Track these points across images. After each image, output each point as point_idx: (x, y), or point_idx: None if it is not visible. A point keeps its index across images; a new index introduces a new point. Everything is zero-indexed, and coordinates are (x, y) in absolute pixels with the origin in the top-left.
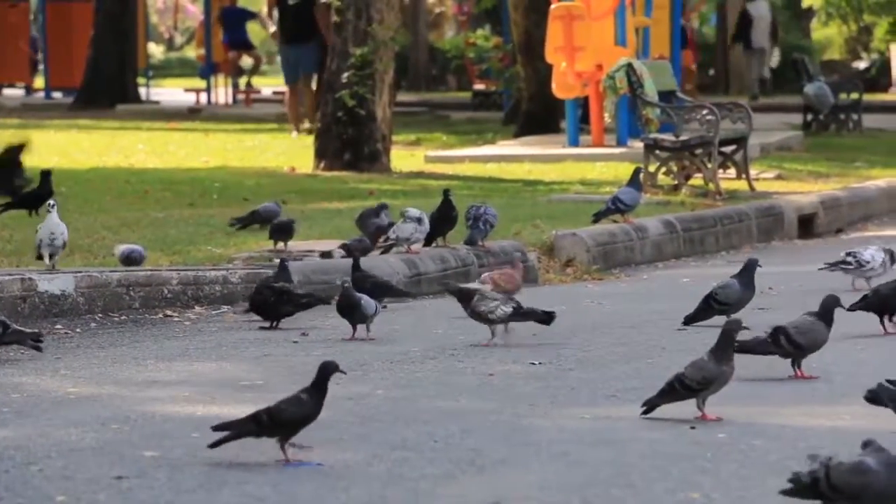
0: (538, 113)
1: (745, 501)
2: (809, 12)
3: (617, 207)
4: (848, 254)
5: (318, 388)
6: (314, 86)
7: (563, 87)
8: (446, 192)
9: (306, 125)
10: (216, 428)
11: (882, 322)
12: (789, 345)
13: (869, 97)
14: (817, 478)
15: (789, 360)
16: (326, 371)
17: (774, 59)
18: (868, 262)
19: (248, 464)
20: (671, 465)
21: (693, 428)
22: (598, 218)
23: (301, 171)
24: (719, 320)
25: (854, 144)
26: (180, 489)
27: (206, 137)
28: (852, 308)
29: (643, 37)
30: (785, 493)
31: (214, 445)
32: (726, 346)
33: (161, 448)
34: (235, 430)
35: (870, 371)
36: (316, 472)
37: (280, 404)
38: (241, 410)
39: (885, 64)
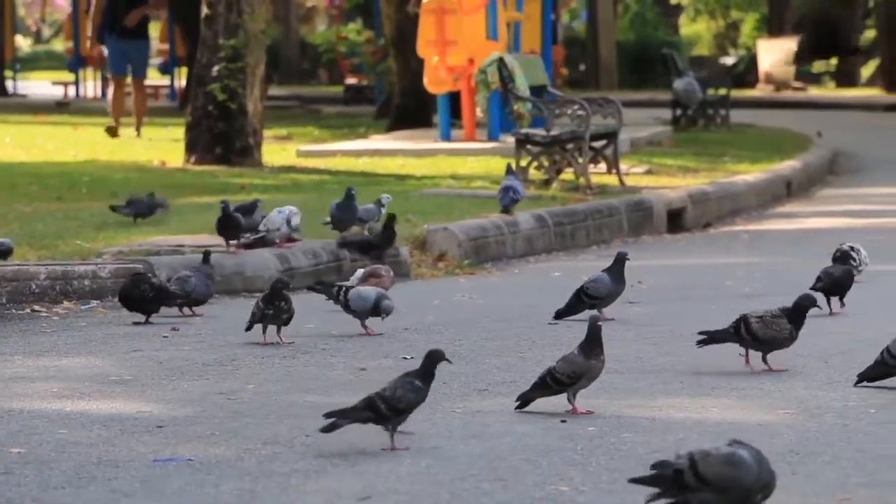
0: (410, 107)
1: (613, 494)
2: (678, 8)
3: (517, 199)
4: (852, 249)
5: (427, 374)
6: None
7: (434, 81)
8: (350, 190)
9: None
10: (328, 415)
11: (829, 303)
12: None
13: (736, 93)
14: (681, 470)
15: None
16: (434, 359)
17: None
18: (864, 261)
19: (117, 460)
20: (541, 459)
21: (564, 421)
22: (507, 209)
23: (171, 164)
24: (590, 314)
25: (722, 139)
26: (48, 486)
27: (74, 131)
28: (813, 289)
29: (515, 32)
30: (635, 480)
31: (326, 430)
32: (594, 341)
33: (28, 445)
34: (349, 417)
35: (736, 364)
36: (185, 467)
37: (396, 391)
38: (111, 406)
39: (752, 60)
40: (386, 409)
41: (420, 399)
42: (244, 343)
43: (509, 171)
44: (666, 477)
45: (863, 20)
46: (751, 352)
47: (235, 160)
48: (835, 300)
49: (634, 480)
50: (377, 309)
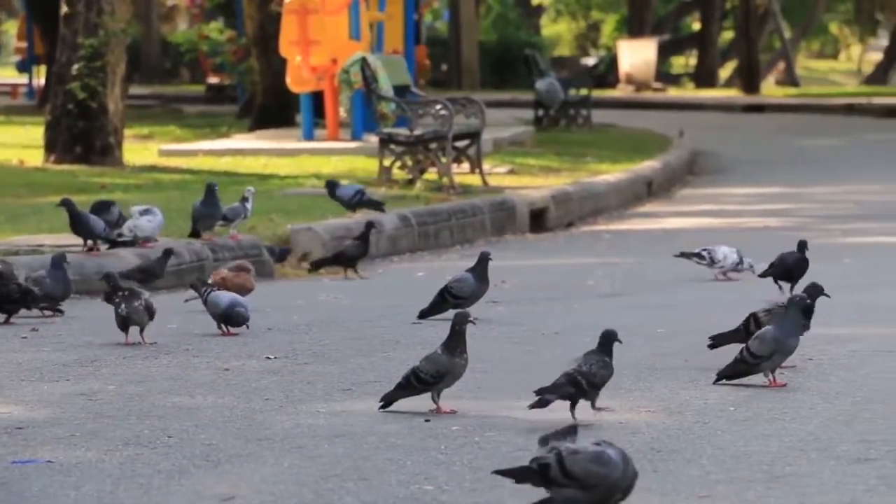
0: (273, 107)
1: (477, 493)
2: (539, 9)
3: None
4: (703, 249)
5: (609, 352)
6: None
7: (297, 80)
8: (212, 186)
9: None
10: (538, 392)
11: (780, 287)
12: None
13: (598, 93)
14: (547, 464)
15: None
16: (611, 337)
17: None
18: (720, 260)
19: None
20: (406, 458)
21: (428, 421)
22: (376, 207)
23: (30, 164)
24: (455, 313)
25: (583, 140)
26: None
27: None
28: (763, 275)
29: (377, 32)
30: (501, 473)
31: (536, 406)
32: (457, 339)
33: None
34: (556, 392)
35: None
36: (45, 469)
37: (592, 368)
38: None
39: (612, 61)
40: (587, 385)
41: (610, 374)
42: (105, 343)
43: (330, 185)
44: (531, 470)
45: (721, 21)
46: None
47: (96, 159)
48: (789, 286)
49: (499, 472)
50: (228, 317)
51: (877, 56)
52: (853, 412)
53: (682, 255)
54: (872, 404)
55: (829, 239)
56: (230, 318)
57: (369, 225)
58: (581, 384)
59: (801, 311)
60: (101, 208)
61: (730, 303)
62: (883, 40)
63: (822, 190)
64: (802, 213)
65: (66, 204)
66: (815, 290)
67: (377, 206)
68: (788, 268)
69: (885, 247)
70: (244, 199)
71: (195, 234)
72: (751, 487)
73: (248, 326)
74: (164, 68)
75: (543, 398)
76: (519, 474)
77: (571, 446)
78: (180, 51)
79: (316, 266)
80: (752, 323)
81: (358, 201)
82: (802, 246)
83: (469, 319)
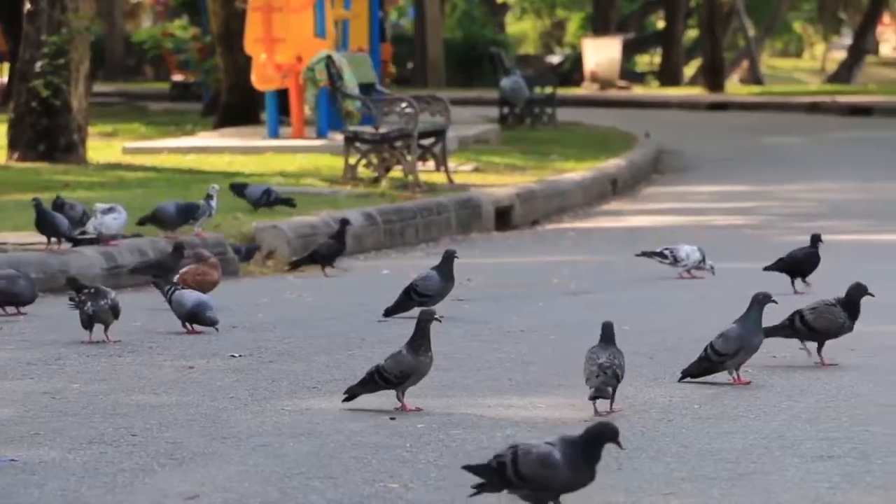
0: (238, 104)
1: (442, 491)
2: (504, 7)
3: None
4: (665, 248)
5: (612, 340)
6: None
7: (262, 78)
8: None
9: None
10: (594, 386)
11: (793, 283)
12: (804, 328)
13: (563, 91)
14: (503, 462)
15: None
16: (611, 326)
17: None
18: (683, 259)
19: None
20: (371, 456)
21: (393, 419)
22: (287, 204)
23: None
24: (420, 310)
25: (549, 137)
26: None
27: None
28: (767, 269)
29: (343, 29)
30: (469, 468)
31: (596, 397)
32: (422, 337)
33: None
34: (609, 385)
35: (567, 360)
36: (8, 468)
37: (615, 360)
38: None
39: (577, 59)
40: (621, 375)
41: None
42: (69, 342)
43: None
44: (491, 468)
45: (685, 20)
46: (812, 344)
47: (59, 157)
48: (799, 281)
49: (467, 467)
50: (196, 317)
51: (840, 54)
52: (817, 410)
53: (644, 254)
54: (836, 402)
55: (793, 237)
56: (196, 319)
57: (344, 222)
58: (619, 376)
59: (843, 306)
60: (62, 206)
61: (694, 300)
62: (846, 39)
63: (786, 188)
64: (767, 211)
65: (35, 203)
66: (860, 291)
67: (288, 203)
68: (798, 262)
69: (848, 245)
70: (209, 197)
71: (143, 223)
72: (715, 485)
73: (217, 329)
74: (128, 66)
75: (601, 388)
76: (482, 471)
77: (528, 446)
78: (144, 48)
79: (294, 266)
80: (798, 319)
81: (266, 200)
82: (816, 239)
83: (434, 317)
